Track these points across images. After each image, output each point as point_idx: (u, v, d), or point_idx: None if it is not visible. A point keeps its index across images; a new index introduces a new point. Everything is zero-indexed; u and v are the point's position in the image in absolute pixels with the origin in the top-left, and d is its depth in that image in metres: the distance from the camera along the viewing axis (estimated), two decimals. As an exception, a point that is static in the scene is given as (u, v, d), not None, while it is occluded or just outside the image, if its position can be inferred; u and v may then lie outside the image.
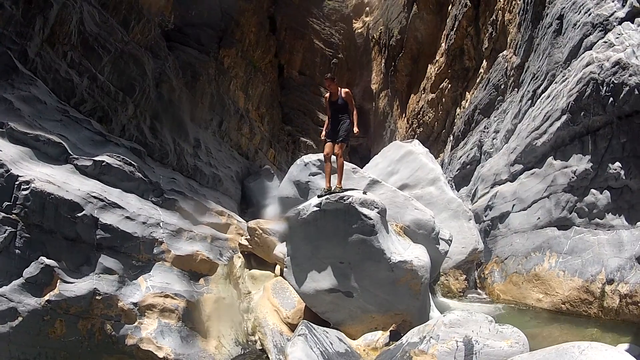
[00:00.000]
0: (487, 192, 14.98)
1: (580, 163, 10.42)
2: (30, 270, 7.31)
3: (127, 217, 9.63)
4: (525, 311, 10.51)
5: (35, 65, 10.11)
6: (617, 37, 9.76)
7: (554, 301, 10.01)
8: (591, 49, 10.63)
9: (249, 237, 12.27)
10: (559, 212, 10.86)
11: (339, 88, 8.52)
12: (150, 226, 10.09)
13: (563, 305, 9.75)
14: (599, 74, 9.70)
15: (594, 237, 9.79)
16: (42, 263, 7.47)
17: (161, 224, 10.51)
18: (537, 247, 11.24)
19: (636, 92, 8.65)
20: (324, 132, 8.76)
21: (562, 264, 10.18)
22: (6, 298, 6.86)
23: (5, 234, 7.19)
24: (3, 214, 7.30)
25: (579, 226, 10.33)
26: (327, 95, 8.66)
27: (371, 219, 8.18)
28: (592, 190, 10.04)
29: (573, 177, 10.52)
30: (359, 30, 42.76)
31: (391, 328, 8.22)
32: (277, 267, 11.50)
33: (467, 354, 5.87)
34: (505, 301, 11.62)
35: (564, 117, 10.93)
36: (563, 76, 11.72)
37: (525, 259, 11.51)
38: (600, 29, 10.45)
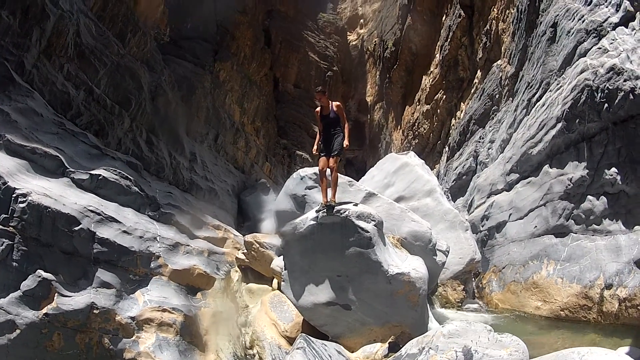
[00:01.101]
0: (484, 202, 15.11)
1: (576, 170, 10.56)
2: (28, 283, 7.35)
3: (124, 231, 9.69)
4: (524, 319, 10.55)
5: (32, 77, 10.24)
6: (612, 43, 9.94)
7: (552, 308, 10.09)
8: (585, 56, 10.77)
9: (245, 251, 12.32)
10: (556, 220, 10.99)
11: (330, 102, 8.41)
12: (147, 240, 10.16)
13: (562, 312, 9.81)
14: (593, 81, 9.86)
15: (591, 243, 9.92)
16: (39, 276, 7.51)
17: (158, 238, 10.58)
18: (535, 255, 11.35)
19: (631, 96, 8.78)
20: (315, 147, 8.60)
21: (560, 271, 10.28)
22: (4, 310, 6.89)
23: (3, 247, 7.24)
24: (0, 226, 7.37)
25: (576, 233, 10.46)
26: (318, 109, 8.54)
27: (368, 232, 8.22)
28: (589, 196, 10.17)
29: (569, 185, 10.65)
30: (354, 43, 43.22)
31: (390, 340, 8.25)
32: (275, 281, 11.53)
33: None
34: (504, 310, 11.67)
35: (559, 125, 11.08)
36: (558, 84, 11.89)
37: (523, 268, 11.60)
38: (594, 35, 10.61)
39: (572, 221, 10.60)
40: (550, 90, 12.33)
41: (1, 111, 8.95)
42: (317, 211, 8.36)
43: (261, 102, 25.87)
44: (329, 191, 8.32)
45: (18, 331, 6.93)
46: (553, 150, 11.59)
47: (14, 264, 7.33)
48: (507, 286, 12.04)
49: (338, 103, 8.49)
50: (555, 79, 12.20)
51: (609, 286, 9.02)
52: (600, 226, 9.86)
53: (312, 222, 8.45)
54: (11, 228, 7.51)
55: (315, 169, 11.42)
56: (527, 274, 11.35)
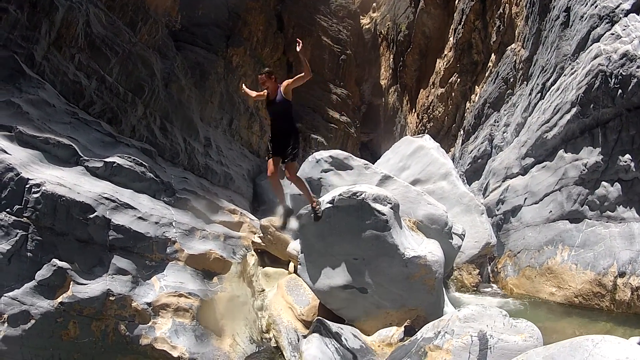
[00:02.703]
0: (499, 186, 14.86)
1: (590, 156, 10.34)
2: (43, 273, 7.19)
3: (140, 218, 9.49)
4: (538, 305, 10.38)
5: (43, 69, 10.02)
6: (624, 29, 9.72)
7: (567, 295, 9.93)
8: (599, 41, 10.57)
9: (262, 234, 12.13)
10: (571, 205, 10.76)
11: (278, 85, 6.52)
12: (162, 226, 9.95)
13: (576, 299, 9.66)
14: (607, 66, 9.65)
15: (605, 230, 9.72)
16: (54, 265, 7.35)
17: (174, 223, 10.36)
18: (550, 240, 11.12)
19: (643, 84, 8.54)
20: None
21: (575, 257, 10.08)
22: (18, 301, 6.74)
23: (17, 237, 7.08)
24: (14, 218, 7.19)
25: (590, 219, 10.25)
26: (264, 93, 6.69)
27: (384, 215, 8.04)
28: (603, 182, 9.96)
29: (584, 170, 10.44)
30: (367, 26, 42.44)
31: (405, 324, 8.10)
32: (291, 265, 11.35)
33: (481, 348, 5.76)
34: (518, 295, 11.50)
35: (573, 110, 10.85)
36: (572, 69, 11.66)
37: (538, 253, 11.38)
38: (606, 20, 10.42)
39: (587, 207, 10.36)
40: (565, 75, 12.05)
41: (12, 103, 8.74)
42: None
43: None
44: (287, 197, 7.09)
45: (33, 321, 6.79)
46: (568, 135, 11.32)
47: (28, 254, 7.17)
48: (522, 271, 11.83)
49: (287, 82, 6.51)
50: (570, 64, 11.95)
51: (622, 274, 8.85)
52: (614, 213, 9.65)
53: (328, 205, 8.21)
54: (25, 218, 7.34)
55: (331, 152, 11.28)
56: (542, 259, 11.13)
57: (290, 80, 6.43)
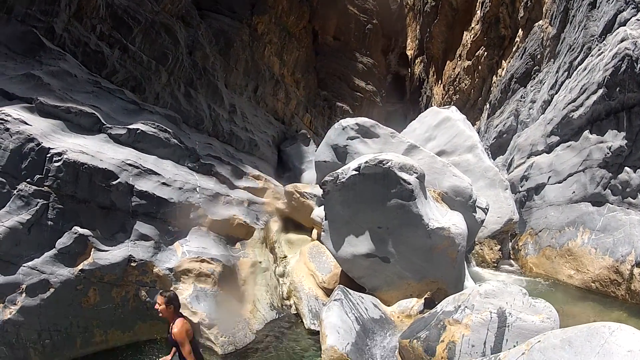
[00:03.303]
0: (523, 163, 14.64)
1: (615, 139, 10.15)
2: (63, 241, 6.94)
3: (163, 183, 9.13)
4: (556, 286, 10.28)
5: (64, 41, 9.65)
6: None
7: (584, 279, 9.79)
8: (625, 25, 10.54)
9: (286, 200, 11.81)
10: (594, 188, 10.57)
11: (174, 316, 4.94)
12: (186, 191, 9.59)
13: (593, 284, 9.52)
14: (633, 51, 9.60)
15: (626, 217, 9.59)
16: (75, 233, 7.09)
17: (198, 189, 10.00)
18: (571, 221, 10.93)
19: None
20: None
21: (595, 241, 9.90)
22: (37, 270, 6.51)
23: (37, 207, 6.81)
24: (34, 187, 6.91)
25: (612, 204, 10.09)
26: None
27: (410, 184, 7.79)
28: (626, 168, 9.81)
29: (608, 153, 10.23)
30: (394, -4, 40.86)
31: (426, 296, 7.90)
32: (314, 231, 11.03)
33: (500, 326, 5.66)
34: (537, 275, 11.36)
35: (600, 91, 10.62)
36: (599, 50, 11.51)
37: (559, 233, 11.17)
38: (632, 6, 10.47)
39: (609, 191, 10.17)
40: (592, 55, 11.85)
41: (32, 76, 8.38)
42: None
43: (300, 55, 24.61)
44: None
45: (52, 290, 6.56)
46: (594, 116, 11.07)
47: (49, 222, 6.90)
48: (543, 250, 11.61)
49: (180, 324, 4.82)
50: (597, 44, 11.77)
51: (638, 264, 8.68)
52: (636, 200, 9.54)
53: (354, 173, 8.01)
54: (46, 188, 7.04)
55: (358, 119, 10.84)
56: (562, 240, 10.91)
57: (182, 338, 4.75)
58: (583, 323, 4.27)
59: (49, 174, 7.10)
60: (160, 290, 5.36)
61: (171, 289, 6.45)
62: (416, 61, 37.67)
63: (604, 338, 3.87)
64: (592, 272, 9.58)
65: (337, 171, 8.46)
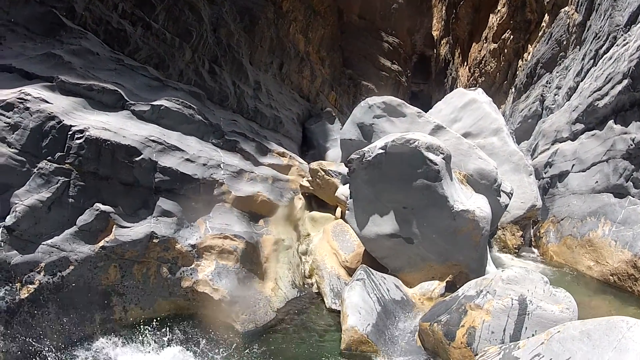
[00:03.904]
0: (548, 149, 14.11)
1: (638, 131, 9.64)
2: (84, 218, 6.63)
3: (187, 160, 8.75)
4: (575, 277, 9.92)
5: (85, 20, 9.27)
6: None
7: (603, 271, 9.34)
8: None
9: (310, 178, 11.38)
10: (616, 179, 10.02)
11: None
12: (210, 168, 9.20)
13: (611, 277, 9.06)
14: None
15: None
16: (97, 209, 6.78)
17: (222, 165, 9.61)
18: (593, 212, 10.45)
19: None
20: None
21: (615, 234, 9.41)
22: (57, 248, 6.23)
23: (58, 185, 6.49)
24: (55, 165, 6.59)
25: (634, 196, 9.57)
26: None
27: (436, 165, 7.44)
28: None
29: (631, 145, 9.68)
30: (419, -24, 39.11)
31: (448, 279, 7.61)
32: (338, 210, 10.60)
33: (520, 313, 5.49)
34: (557, 264, 10.97)
35: (625, 82, 10.12)
36: (624, 40, 11.14)
37: (581, 223, 10.71)
38: None
39: (631, 183, 9.66)
40: (617, 45, 11.40)
41: (53, 55, 8.00)
42: None
43: (326, 32, 23.75)
44: None
45: (71, 267, 6.26)
46: (618, 106, 10.53)
47: (70, 200, 6.58)
48: (564, 239, 11.12)
49: None
50: (622, 34, 11.37)
51: None
52: None
53: (381, 151, 7.68)
54: (67, 165, 6.71)
55: (384, 98, 10.36)
56: (584, 230, 10.44)
57: None
58: (601, 316, 4.27)
59: (71, 152, 6.77)
60: None
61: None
62: (442, 42, 36.42)
63: (622, 333, 3.84)
64: (611, 265, 9.15)
65: (363, 149, 8.13)
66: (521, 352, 4.60)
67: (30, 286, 5.81)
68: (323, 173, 10.96)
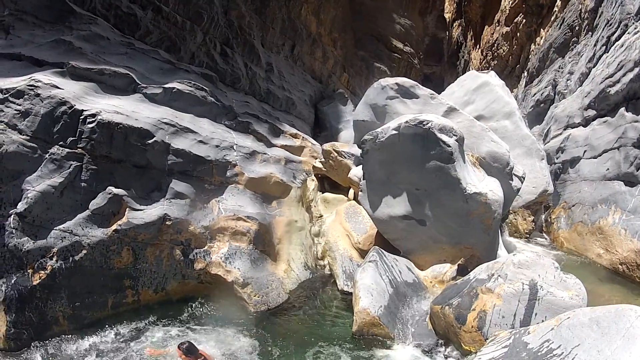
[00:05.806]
0: (560, 134, 13.77)
1: None
2: (97, 202, 6.48)
3: (200, 141, 8.52)
4: (584, 264, 9.78)
5: (94, 5, 8.99)
6: None
7: (612, 260, 9.14)
8: None
9: (323, 159, 11.08)
10: (627, 167, 9.77)
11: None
12: (223, 149, 8.97)
13: (620, 266, 8.89)
14: None
15: None
16: (109, 193, 6.62)
17: (235, 146, 9.36)
18: (604, 199, 10.23)
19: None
20: None
21: (625, 222, 9.22)
22: (70, 233, 6.09)
23: (70, 169, 6.34)
24: (67, 150, 6.42)
25: None
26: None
27: (449, 146, 7.19)
28: None
29: None
30: (431, -42, 37.87)
31: (459, 262, 7.42)
32: (351, 191, 10.32)
33: (530, 298, 5.39)
34: (567, 250, 10.81)
35: (636, 70, 9.95)
36: (635, 28, 10.93)
37: (592, 210, 10.51)
38: None
39: None
40: (629, 33, 11.16)
41: (63, 41, 7.76)
42: None
43: (337, 14, 23.03)
44: None
45: (84, 252, 6.13)
46: (630, 94, 10.27)
47: (82, 184, 6.43)
48: (575, 226, 10.96)
49: None
50: (633, 23, 11.12)
51: None
52: None
53: (394, 132, 7.44)
54: (79, 150, 6.54)
55: (398, 79, 10.03)
56: (594, 217, 10.25)
57: None
58: (610, 304, 4.23)
59: (83, 136, 6.59)
60: (177, 344, 5.20)
61: (185, 341, 5.47)
62: (454, 24, 35.39)
63: (630, 322, 3.82)
64: (621, 253, 8.92)
65: (376, 130, 7.87)
66: (531, 337, 4.49)
67: (43, 272, 5.69)
68: (336, 154, 10.67)
